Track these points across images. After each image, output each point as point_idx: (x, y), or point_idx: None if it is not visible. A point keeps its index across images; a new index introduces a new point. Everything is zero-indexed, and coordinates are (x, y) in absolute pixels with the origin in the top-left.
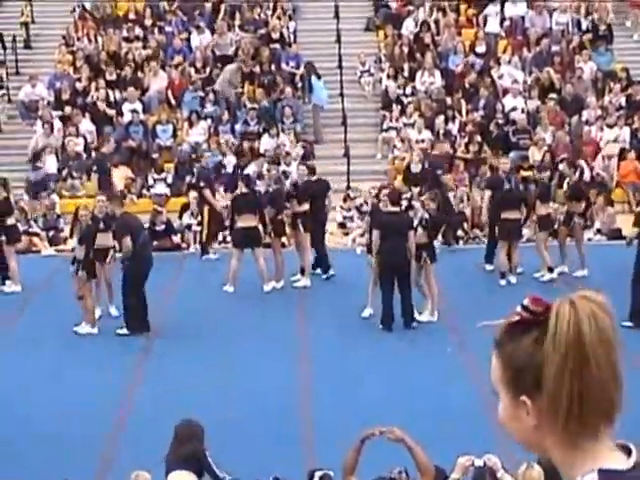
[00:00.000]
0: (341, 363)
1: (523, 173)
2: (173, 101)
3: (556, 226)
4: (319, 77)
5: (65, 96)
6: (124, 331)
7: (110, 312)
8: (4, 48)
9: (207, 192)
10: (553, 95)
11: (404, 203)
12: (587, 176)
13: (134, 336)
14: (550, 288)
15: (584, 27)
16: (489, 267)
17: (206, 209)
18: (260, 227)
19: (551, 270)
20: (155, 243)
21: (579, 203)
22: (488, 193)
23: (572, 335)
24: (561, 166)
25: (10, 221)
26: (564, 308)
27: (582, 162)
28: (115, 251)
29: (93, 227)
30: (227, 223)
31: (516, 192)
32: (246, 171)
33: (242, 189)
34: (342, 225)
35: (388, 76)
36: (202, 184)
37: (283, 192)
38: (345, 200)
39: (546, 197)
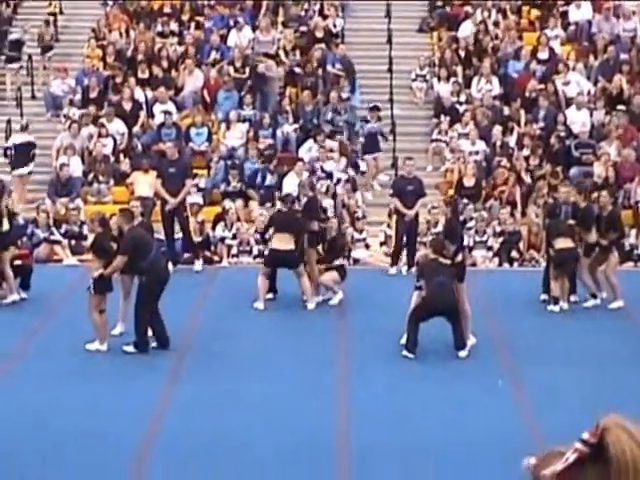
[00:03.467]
0: (382, 392)
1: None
2: (209, 102)
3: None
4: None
5: (93, 94)
6: (130, 348)
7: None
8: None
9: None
10: (621, 107)
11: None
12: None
13: (161, 355)
14: (597, 318)
15: None
16: (544, 297)
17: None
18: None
19: (594, 297)
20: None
21: (615, 233)
22: (547, 221)
23: (632, 463)
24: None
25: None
26: (620, 436)
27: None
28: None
29: (107, 241)
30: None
31: (565, 221)
32: (285, 186)
33: (281, 206)
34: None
35: (439, 80)
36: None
37: (318, 200)
38: (390, 215)
39: (589, 223)
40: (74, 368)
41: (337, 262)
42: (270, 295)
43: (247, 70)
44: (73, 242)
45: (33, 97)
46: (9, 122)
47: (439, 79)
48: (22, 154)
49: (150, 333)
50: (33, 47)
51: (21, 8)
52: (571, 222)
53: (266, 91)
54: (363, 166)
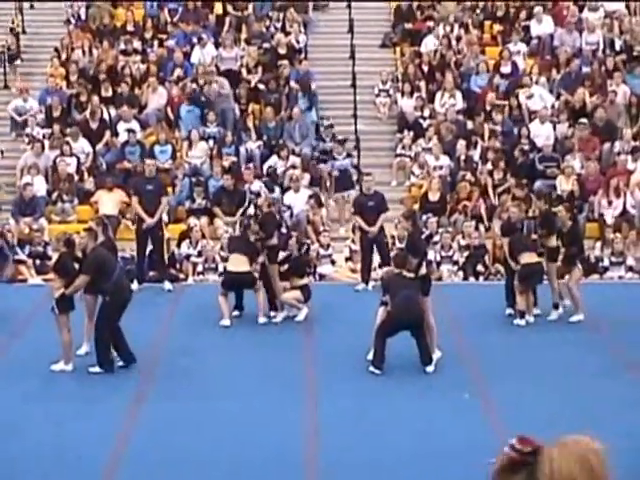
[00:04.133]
0: (349, 408)
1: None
2: (173, 120)
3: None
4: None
5: (56, 113)
6: (96, 369)
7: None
8: None
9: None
10: (583, 120)
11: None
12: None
13: (127, 374)
14: (563, 331)
15: (617, 47)
16: (510, 311)
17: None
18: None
19: (556, 307)
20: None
21: (575, 247)
22: (505, 240)
23: (564, 477)
24: (559, 208)
25: None
26: (554, 452)
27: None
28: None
29: (71, 261)
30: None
31: (529, 236)
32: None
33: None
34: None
35: (403, 95)
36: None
37: (274, 217)
38: (353, 231)
39: (552, 228)
40: (39, 389)
41: (301, 282)
42: (236, 312)
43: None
44: (38, 262)
45: None
46: None
47: (402, 94)
48: None
49: (115, 352)
50: None
51: None
52: (534, 237)
53: (224, 108)
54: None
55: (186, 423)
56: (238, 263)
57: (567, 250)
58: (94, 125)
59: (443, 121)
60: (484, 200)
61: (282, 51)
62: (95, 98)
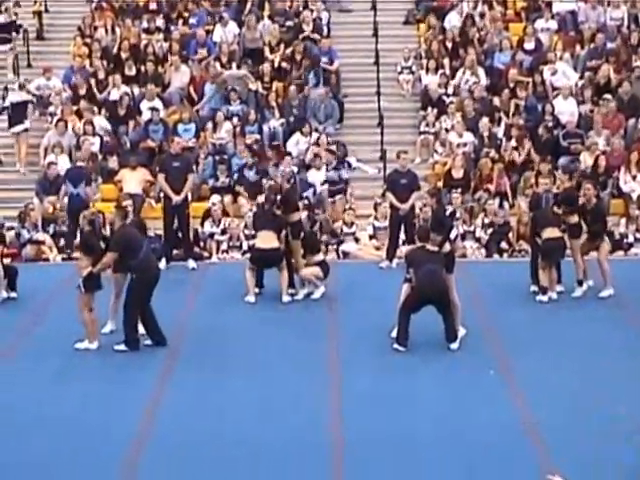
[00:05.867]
0: (373, 386)
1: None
2: (196, 98)
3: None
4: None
5: (81, 91)
6: (122, 347)
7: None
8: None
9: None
10: (608, 96)
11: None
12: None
13: (152, 353)
14: (587, 307)
15: None
16: (534, 288)
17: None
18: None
19: (580, 284)
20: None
21: (599, 224)
22: (530, 215)
23: None
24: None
25: None
26: None
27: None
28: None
29: (95, 239)
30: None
31: (551, 210)
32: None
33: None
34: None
35: (427, 72)
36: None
37: (295, 192)
38: (375, 208)
39: (572, 204)
40: (63, 368)
41: (316, 259)
42: (256, 290)
43: (233, 66)
44: (62, 241)
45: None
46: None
47: (427, 71)
48: (19, 112)
49: (143, 331)
50: (19, 45)
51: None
52: (555, 209)
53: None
54: (353, 162)
55: (210, 403)
56: (267, 239)
57: (591, 227)
58: (122, 111)
59: (467, 98)
60: (508, 177)
61: (307, 28)
62: (118, 77)
